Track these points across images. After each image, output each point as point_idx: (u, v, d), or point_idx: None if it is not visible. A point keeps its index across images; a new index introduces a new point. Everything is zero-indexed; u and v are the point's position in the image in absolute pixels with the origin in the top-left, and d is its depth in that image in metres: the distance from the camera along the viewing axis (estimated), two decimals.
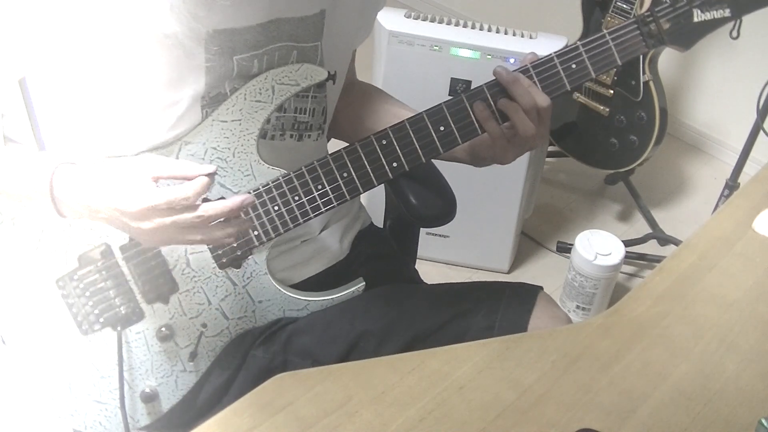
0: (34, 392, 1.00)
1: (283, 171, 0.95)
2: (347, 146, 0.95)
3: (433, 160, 0.99)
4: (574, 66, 0.94)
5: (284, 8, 0.91)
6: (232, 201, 0.84)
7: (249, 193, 0.93)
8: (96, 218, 0.85)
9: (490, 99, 0.94)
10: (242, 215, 0.88)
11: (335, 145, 1.01)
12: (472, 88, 0.95)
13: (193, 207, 0.82)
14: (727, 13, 0.93)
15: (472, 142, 0.97)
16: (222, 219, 0.85)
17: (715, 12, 0.92)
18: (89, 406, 1.01)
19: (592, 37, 0.93)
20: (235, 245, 0.96)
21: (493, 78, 0.94)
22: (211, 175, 0.83)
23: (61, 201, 0.85)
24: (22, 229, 0.96)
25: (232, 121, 0.93)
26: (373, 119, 1.11)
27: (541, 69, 0.93)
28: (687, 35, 0.94)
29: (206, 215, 0.82)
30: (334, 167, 0.95)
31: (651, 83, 2.04)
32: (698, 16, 0.93)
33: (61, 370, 0.99)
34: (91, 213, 0.84)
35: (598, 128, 2.20)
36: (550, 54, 0.93)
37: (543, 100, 0.92)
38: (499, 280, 1.31)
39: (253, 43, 0.90)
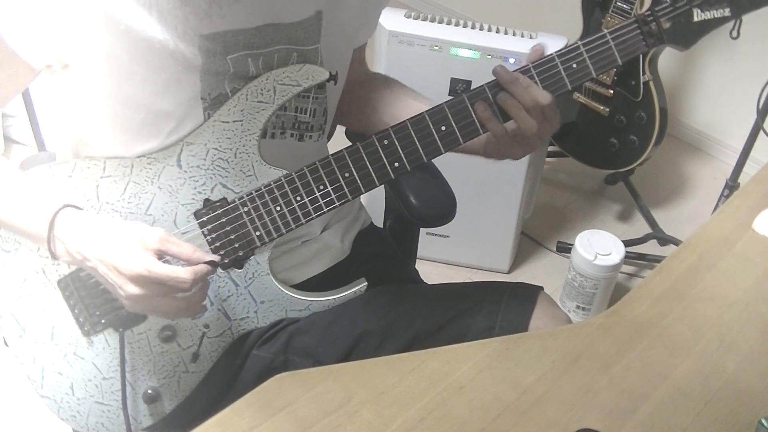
0: (36, 393, 1.00)
1: (285, 171, 0.95)
2: (349, 146, 0.96)
3: (436, 158, 0.99)
4: (574, 65, 0.94)
5: (278, 13, 0.91)
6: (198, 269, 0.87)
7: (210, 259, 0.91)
8: (83, 266, 0.88)
9: (492, 98, 0.94)
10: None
11: (336, 145, 1.01)
12: (472, 88, 0.95)
13: (188, 290, 0.86)
14: (726, 12, 0.93)
15: (486, 138, 0.97)
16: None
17: (714, 11, 0.93)
18: (91, 408, 1.01)
19: (592, 37, 0.93)
20: (237, 245, 0.96)
21: (494, 78, 0.94)
22: (212, 264, 0.87)
23: (59, 240, 0.87)
24: None
25: (234, 121, 0.93)
26: (395, 109, 1.11)
27: (542, 69, 0.94)
28: (687, 34, 0.94)
29: (195, 299, 0.88)
30: (335, 167, 0.95)
31: (651, 83, 2.04)
32: (698, 15, 0.93)
33: (63, 371, 0.99)
34: (84, 259, 0.86)
35: (598, 128, 2.21)
36: (551, 53, 0.94)
37: (544, 97, 0.92)
38: (499, 280, 1.31)
39: (246, 44, 0.90)
